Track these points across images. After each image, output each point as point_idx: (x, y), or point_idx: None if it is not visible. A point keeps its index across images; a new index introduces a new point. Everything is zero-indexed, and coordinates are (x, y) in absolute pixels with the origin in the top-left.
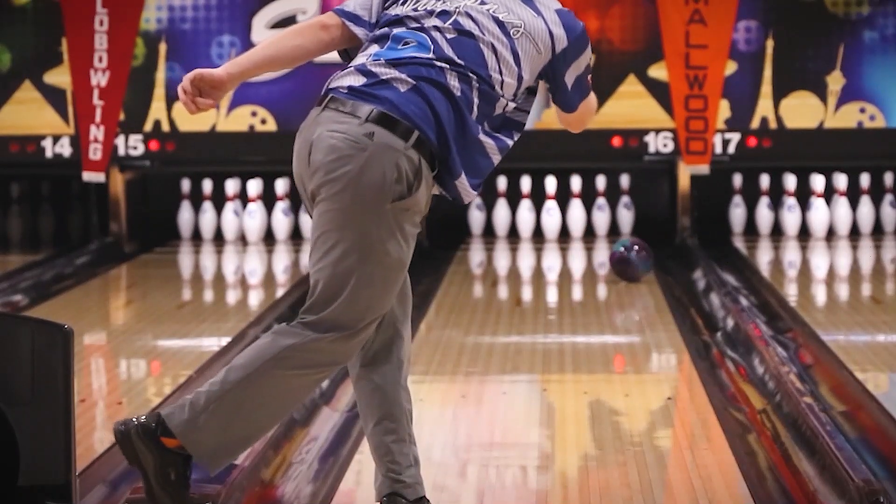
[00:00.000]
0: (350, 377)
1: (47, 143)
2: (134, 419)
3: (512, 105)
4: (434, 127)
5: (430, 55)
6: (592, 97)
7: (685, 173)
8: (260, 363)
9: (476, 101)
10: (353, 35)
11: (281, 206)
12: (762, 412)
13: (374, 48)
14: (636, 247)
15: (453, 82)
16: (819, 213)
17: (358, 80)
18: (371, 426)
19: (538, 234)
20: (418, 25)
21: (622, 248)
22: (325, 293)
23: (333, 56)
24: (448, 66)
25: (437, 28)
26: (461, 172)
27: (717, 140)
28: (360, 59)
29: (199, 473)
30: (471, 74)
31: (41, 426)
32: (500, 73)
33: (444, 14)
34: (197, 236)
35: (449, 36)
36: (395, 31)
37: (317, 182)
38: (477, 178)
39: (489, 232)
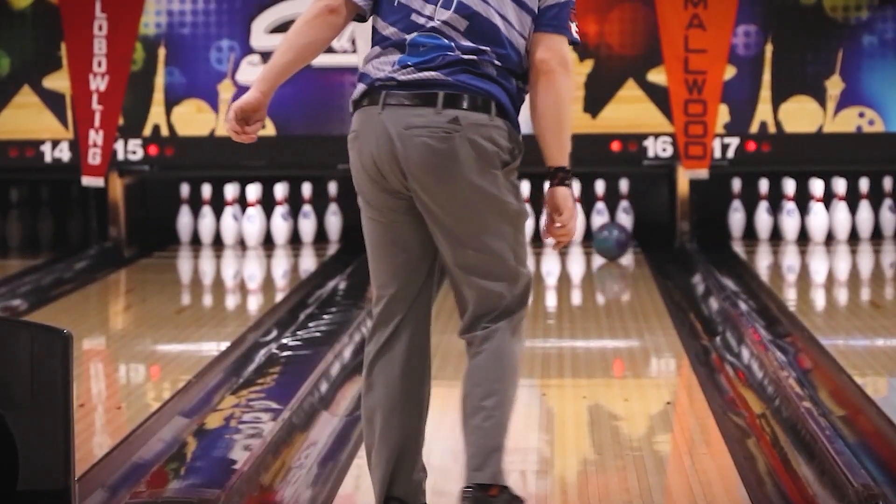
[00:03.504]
0: (368, 367)
1: (46, 148)
2: None
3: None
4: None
5: (456, 53)
6: (571, 71)
7: (684, 178)
8: (500, 375)
9: (511, 75)
10: (357, 6)
11: (280, 211)
12: (761, 417)
13: (395, 55)
14: (616, 231)
15: (487, 70)
16: (818, 218)
17: (400, 77)
18: (390, 421)
19: (537, 239)
20: (432, 26)
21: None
22: (493, 288)
23: (332, 61)
24: (476, 58)
25: (447, 24)
26: (519, 134)
27: (717, 144)
28: (383, 68)
29: (197, 478)
30: (497, 62)
31: (40, 431)
32: (521, 35)
33: (446, 1)
34: (196, 241)
35: (462, 27)
36: (410, 36)
37: (420, 185)
38: None
39: None
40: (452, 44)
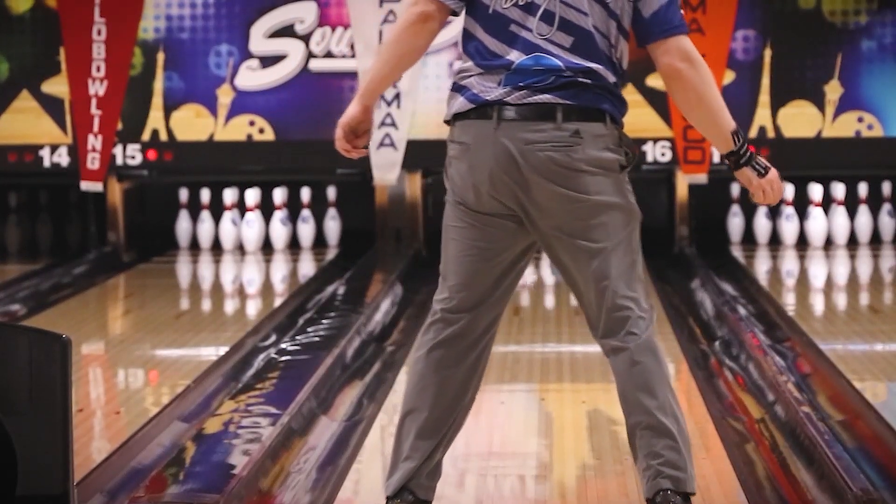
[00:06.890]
0: (423, 361)
1: (45, 153)
2: None
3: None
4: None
5: (569, 74)
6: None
7: (683, 182)
8: (667, 380)
9: (613, 85)
10: (449, 8)
11: (279, 216)
12: (760, 421)
13: (501, 74)
14: None
15: (598, 85)
16: (817, 223)
17: (514, 100)
18: (439, 422)
19: None
20: (536, 43)
21: None
22: (626, 292)
23: (331, 65)
24: (590, 80)
25: (551, 41)
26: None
27: (715, 149)
28: (490, 86)
29: (196, 483)
30: (605, 75)
31: (39, 436)
32: (610, 44)
33: (547, 15)
34: (195, 245)
35: (567, 44)
36: (516, 56)
37: (548, 197)
38: None
39: None
40: (561, 63)
